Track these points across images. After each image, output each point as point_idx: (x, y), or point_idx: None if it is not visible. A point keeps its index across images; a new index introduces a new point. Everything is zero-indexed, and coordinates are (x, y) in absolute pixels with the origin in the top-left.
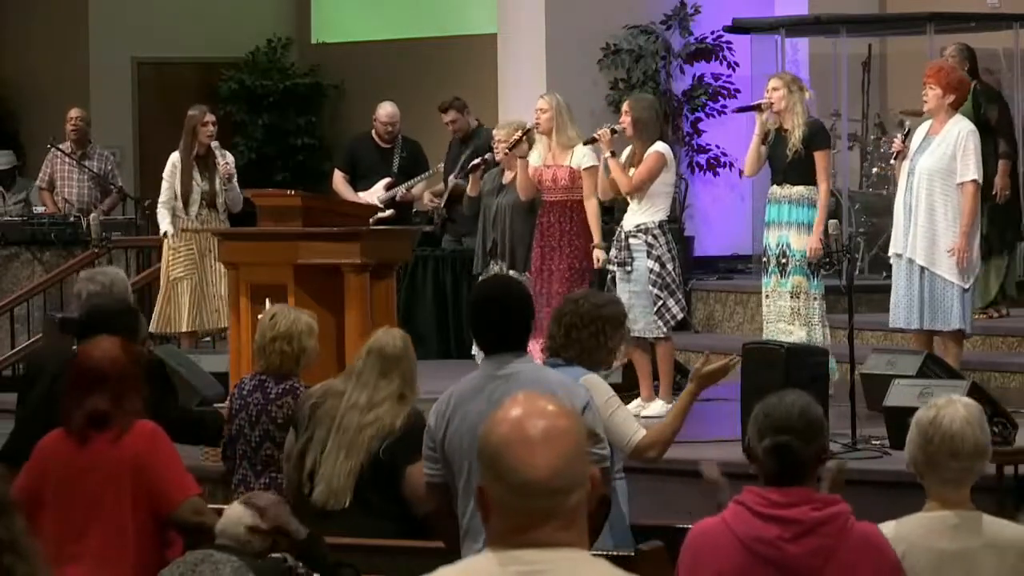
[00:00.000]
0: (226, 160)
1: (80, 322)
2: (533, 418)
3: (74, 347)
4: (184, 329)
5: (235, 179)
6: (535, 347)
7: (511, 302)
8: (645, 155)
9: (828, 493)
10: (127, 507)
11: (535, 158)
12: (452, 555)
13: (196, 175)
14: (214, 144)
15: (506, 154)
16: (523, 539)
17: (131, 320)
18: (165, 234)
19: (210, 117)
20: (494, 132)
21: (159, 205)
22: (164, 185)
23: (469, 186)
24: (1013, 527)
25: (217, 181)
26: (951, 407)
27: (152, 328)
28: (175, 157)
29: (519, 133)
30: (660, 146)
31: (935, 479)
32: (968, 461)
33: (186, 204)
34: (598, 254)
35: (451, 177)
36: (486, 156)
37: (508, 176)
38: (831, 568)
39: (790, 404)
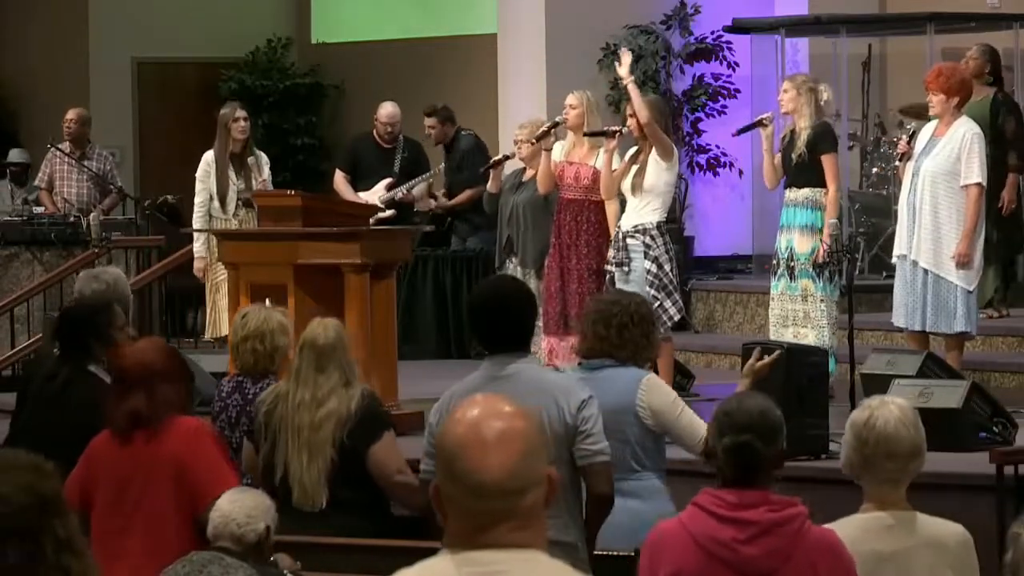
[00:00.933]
0: (261, 166)
1: (56, 326)
2: (489, 419)
3: (55, 350)
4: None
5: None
6: (561, 346)
7: (511, 303)
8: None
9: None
10: (169, 506)
11: (556, 153)
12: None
13: (231, 173)
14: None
15: (532, 143)
16: (479, 540)
17: (104, 319)
18: (242, 166)
19: (241, 113)
20: (516, 130)
21: (196, 207)
22: (198, 187)
23: (489, 183)
24: (948, 525)
25: (253, 180)
26: (885, 408)
27: (207, 336)
28: (209, 156)
29: (547, 125)
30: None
31: (872, 480)
32: (904, 461)
33: (223, 203)
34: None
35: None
36: (507, 153)
37: (528, 173)
38: (788, 570)
39: (751, 405)
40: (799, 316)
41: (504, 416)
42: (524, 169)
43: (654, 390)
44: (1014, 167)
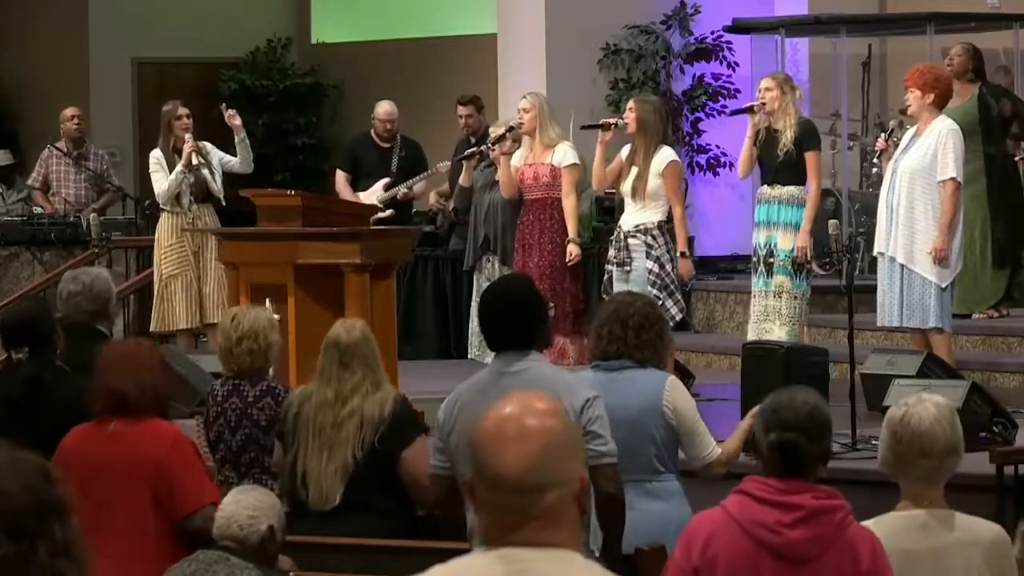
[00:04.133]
0: (208, 154)
1: (9, 332)
2: (516, 416)
3: (14, 356)
4: (182, 327)
5: (244, 136)
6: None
7: (517, 302)
8: (661, 168)
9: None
10: (147, 507)
11: (516, 157)
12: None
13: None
14: (188, 137)
15: (490, 149)
16: (509, 537)
17: (44, 326)
18: (186, 170)
19: (184, 110)
20: (490, 128)
21: (160, 191)
22: (155, 177)
23: (462, 176)
24: (983, 524)
25: (205, 172)
26: (921, 406)
27: (152, 328)
28: (156, 153)
29: (502, 130)
30: (670, 153)
31: (907, 478)
32: (938, 460)
33: (177, 198)
34: (571, 249)
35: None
36: (481, 147)
37: (500, 172)
38: (828, 559)
39: (801, 403)
40: (771, 311)
41: (533, 413)
42: (495, 168)
43: (678, 390)
44: (1014, 135)
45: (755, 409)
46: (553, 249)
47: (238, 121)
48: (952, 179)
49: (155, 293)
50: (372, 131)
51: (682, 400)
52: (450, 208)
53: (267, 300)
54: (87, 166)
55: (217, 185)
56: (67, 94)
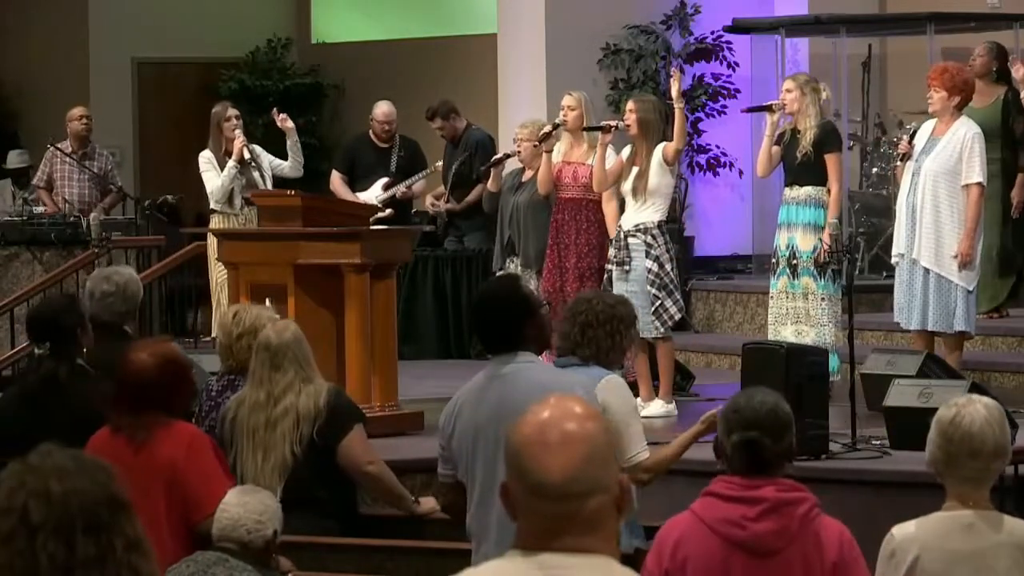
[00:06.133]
0: (258, 156)
1: (38, 327)
2: (556, 421)
3: (36, 351)
4: None
5: (297, 139)
6: None
7: (501, 304)
8: (659, 157)
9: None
10: (161, 509)
11: (554, 155)
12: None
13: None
14: (238, 133)
15: (536, 145)
16: (549, 543)
17: (68, 323)
18: (238, 165)
19: (233, 111)
20: (516, 130)
21: (213, 189)
22: (207, 176)
23: (490, 182)
24: None
25: (256, 175)
26: (972, 407)
27: (213, 334)
28: (207, 154)
29: (549, 127)
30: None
31: (954, 478)
32: (987, 461)
33: (229, 199)
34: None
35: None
36: (507, 152)
37: (528, 174)
38: (794, 551)
39: (759, 403)
40: (800, 314)
41: (572, 418)
42: (523, 169)
43: (614, 390)
44: None
45: (704, 416)
46: (591, 251)
47: (290, 124)
48: (978, 183)
49: (213, 299)
50: (370, 131)
51: (615, 399)
52: (443, 210)
53: (267, 300)
54: (91, 167)
55: (268, 187)
56: (67, 94)
